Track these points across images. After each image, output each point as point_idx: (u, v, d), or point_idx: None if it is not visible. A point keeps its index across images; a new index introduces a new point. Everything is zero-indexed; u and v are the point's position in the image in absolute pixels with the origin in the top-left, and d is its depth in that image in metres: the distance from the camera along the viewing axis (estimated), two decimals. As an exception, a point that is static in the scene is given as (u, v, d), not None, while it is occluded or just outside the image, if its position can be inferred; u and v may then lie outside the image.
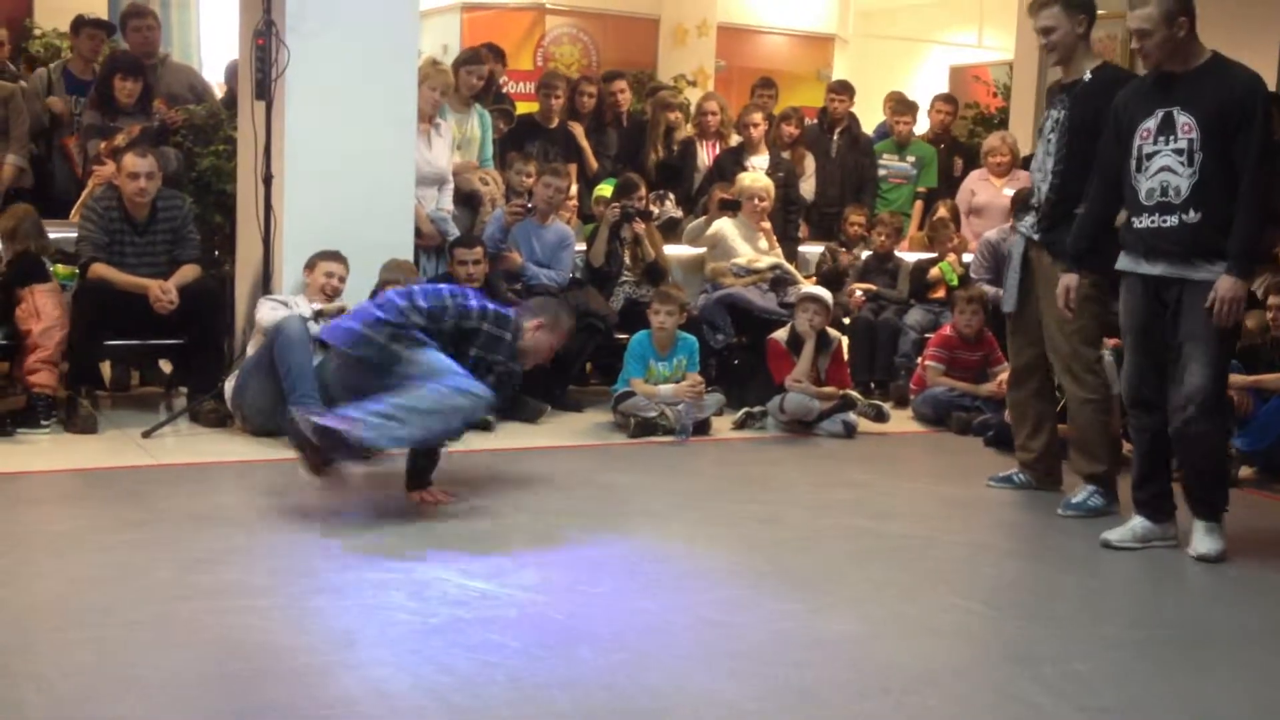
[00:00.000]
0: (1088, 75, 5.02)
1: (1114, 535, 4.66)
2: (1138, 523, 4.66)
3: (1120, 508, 5.05)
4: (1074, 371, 5.15)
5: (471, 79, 7.37)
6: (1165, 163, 4.45)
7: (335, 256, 6.02)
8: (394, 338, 4.60)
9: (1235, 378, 5.91)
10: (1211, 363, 4.41)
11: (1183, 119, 4.42)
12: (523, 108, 8.81)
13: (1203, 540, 4.51)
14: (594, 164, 8.18)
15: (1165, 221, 4.45)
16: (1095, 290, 4.99)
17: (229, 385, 5.90)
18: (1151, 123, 4.50)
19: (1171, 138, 4.44)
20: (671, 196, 8.00)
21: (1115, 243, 4.74)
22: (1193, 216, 4.39)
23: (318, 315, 5.78)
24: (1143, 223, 4.52)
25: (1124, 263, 4.62)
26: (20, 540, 4.18)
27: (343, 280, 6.00)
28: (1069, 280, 4.87)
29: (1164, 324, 4.53)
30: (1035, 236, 5.17)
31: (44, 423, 5.74)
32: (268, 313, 5.83)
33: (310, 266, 6.02)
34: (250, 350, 5.90)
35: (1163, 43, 4.42)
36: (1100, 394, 5.16)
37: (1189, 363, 4.44)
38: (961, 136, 9.99)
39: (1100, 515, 5.02)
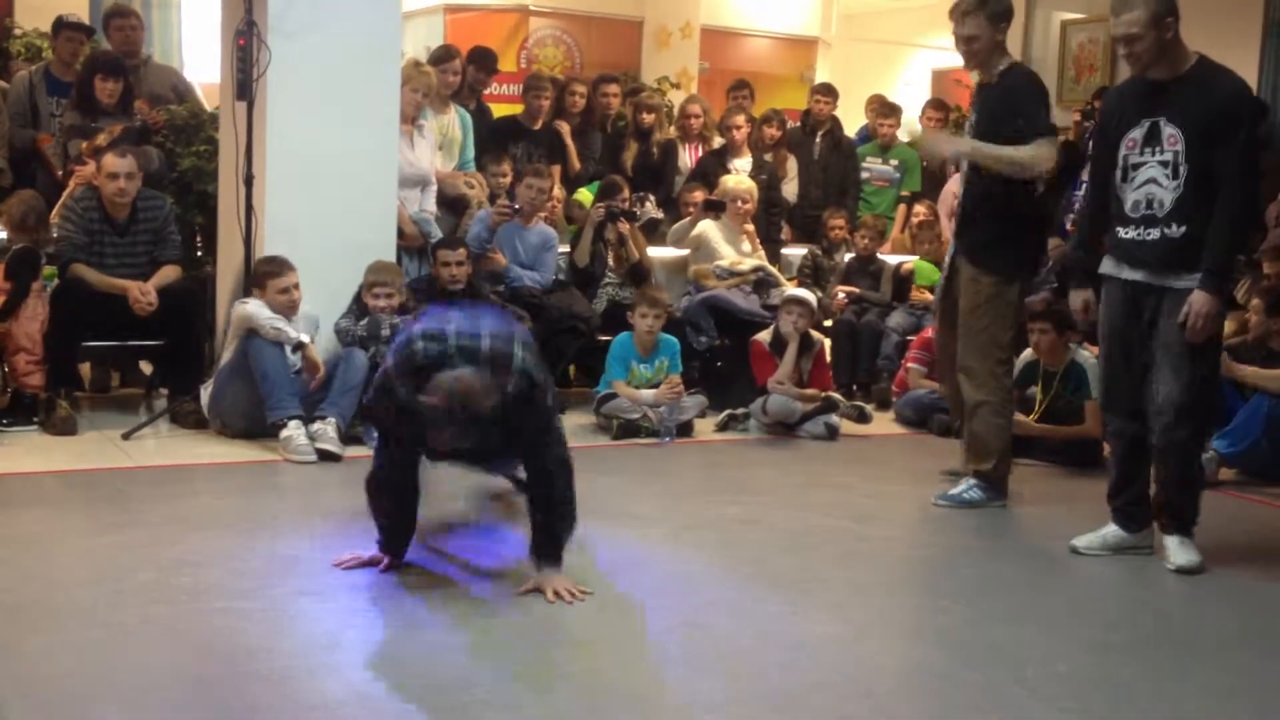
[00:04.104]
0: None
1: (1083, 542, 4.62)
2: (1110, 530, 4.62)
3: (1007, 502, 5.17)
4: (971, 372, 5.12)
5: (447, 76, 7.36)
6: (1151, 174, 4.34)
7: (280, 270, 5.71)
8: None
9: (1240, 367, 5.93)
10: (1184, 372, 4.32)
11: (1169, 130, 4.30)
12: (506, 109, 8.79)
13: (1178, 553, 4.43)
14: (576, 164, 8.16)
15: (1149, 235, 4.35)
16: (1002, 289, 5.03)
17: (205, 394, 5.87)
18: (1138, 132, 4.38)
19: (1158, 149, 4.32)
20: (651, 198, 7.99)
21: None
22: (1175, 231, 4.29)
23: (299, 347, 5.68)
24: (1127, 234, 4.43)
25: (1106, 267, 4.54)
26: (-1, 542, 4.16)
27: (298, 288, 5.76)
28: (1087, 296, 4.71)
29: (1141, 331, 4.45)
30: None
31: (34, 419, 5.76)
32: (254, 309, 5.65)
33: (259, 285, 5.74)
34: (226, 355, 5.82)
35: (1151, 46, 4.27)
36: (997, 397, 5.12)
37: (1161, 371, 4.36)
38: (943, 140, 9.99)
39: (975, 508, 5.10)
